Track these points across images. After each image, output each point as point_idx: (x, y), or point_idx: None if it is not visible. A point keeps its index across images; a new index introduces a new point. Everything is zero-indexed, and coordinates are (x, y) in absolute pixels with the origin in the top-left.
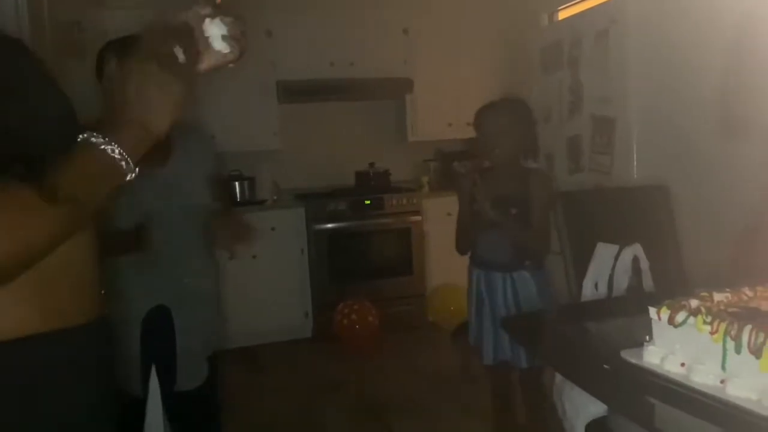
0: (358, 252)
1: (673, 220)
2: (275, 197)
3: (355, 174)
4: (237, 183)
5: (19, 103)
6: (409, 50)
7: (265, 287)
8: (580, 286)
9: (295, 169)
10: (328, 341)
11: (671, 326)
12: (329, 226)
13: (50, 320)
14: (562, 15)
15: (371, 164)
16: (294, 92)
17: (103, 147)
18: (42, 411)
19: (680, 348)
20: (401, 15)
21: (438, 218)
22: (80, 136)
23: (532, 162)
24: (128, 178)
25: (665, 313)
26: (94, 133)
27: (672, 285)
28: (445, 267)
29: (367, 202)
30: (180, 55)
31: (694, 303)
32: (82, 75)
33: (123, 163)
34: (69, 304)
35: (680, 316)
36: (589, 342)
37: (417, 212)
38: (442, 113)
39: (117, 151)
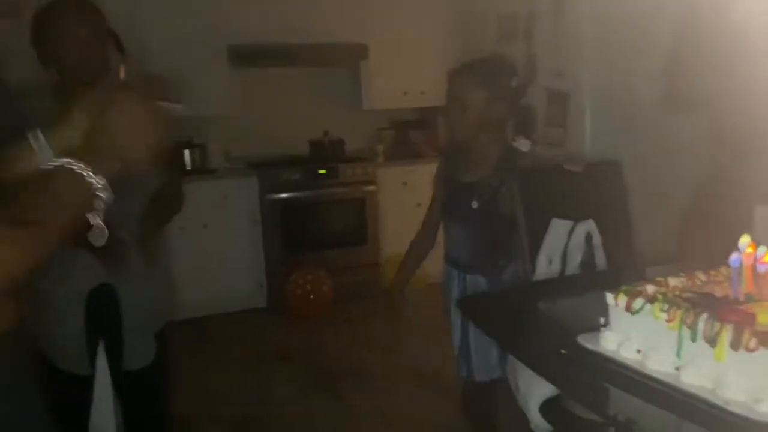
0: (312, 222)
1: (625, 196)
2: (227, 165)
3: (309, 143)
4: (187, 150)
5: None
6: (364, 15)
7: (217, 257)
8: (534, 263)
9: (248, 137)
10: (282, 311)
11: (628, 312)
12: (283, 195)
13: None
14: None
15: (325, 133)
16: (245, 57)
17: (85, 177)
18: None
19: (636, 334)
20: None
21: (392, 188)
22: (56, 161)
23: (524, 141)
24: (102, 206)
25: (622, 299)
26: (72, 161)
27: (623, 261)
28: (399, 236)
29: (322, 171)
30: (177, 106)
31: (650, 289)
32: (17, 35)
33: (104, 193)
34: None
35: (637, 303)
36: (545, 324)
37: (372, 182)
38: (397, 81)
39: (99, 182)
